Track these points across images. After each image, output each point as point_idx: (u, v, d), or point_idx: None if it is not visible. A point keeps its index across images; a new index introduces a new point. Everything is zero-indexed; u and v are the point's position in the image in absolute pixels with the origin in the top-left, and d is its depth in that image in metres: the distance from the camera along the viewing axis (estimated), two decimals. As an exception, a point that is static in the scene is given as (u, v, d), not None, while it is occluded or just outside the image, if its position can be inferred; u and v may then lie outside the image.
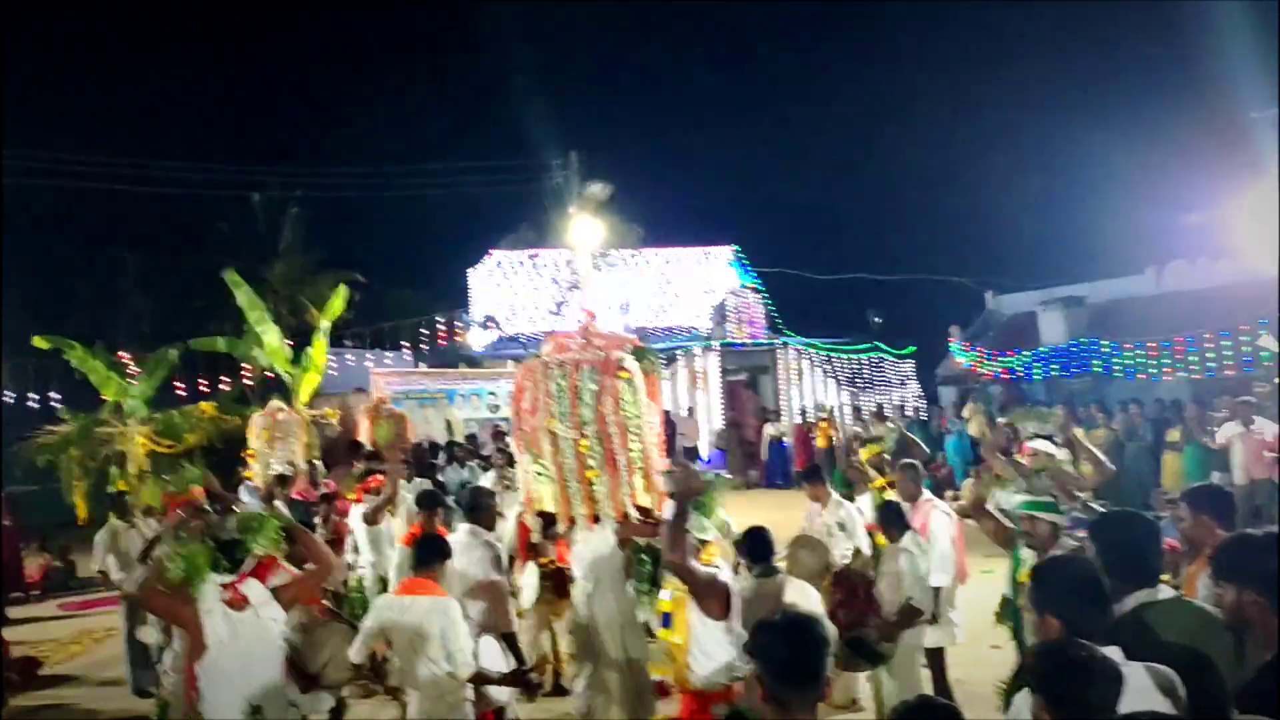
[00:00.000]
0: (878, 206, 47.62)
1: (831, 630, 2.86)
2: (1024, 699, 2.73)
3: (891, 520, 6.10)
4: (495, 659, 5.54)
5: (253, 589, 4.53)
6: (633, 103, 60.56)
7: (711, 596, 4.39)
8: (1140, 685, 2.67)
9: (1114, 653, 2.64)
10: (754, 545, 5.25)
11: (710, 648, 4.38)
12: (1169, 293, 20.64)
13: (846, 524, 6.92)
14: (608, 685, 5.75)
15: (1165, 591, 3.34)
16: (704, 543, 4.63)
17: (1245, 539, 2.88)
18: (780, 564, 5.61)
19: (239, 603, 4.45)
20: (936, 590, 6.05)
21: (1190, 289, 19.96)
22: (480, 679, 5.21)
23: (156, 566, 4.75)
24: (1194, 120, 26.33)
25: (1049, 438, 5.83)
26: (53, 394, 18.14)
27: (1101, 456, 5.68)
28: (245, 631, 4.43)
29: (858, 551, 6.75)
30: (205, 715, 4.34)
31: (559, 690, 7.54)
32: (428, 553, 5.39)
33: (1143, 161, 33.57)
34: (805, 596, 5.01)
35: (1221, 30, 19.20)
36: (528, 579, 7.11)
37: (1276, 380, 13.15)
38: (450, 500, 8.61)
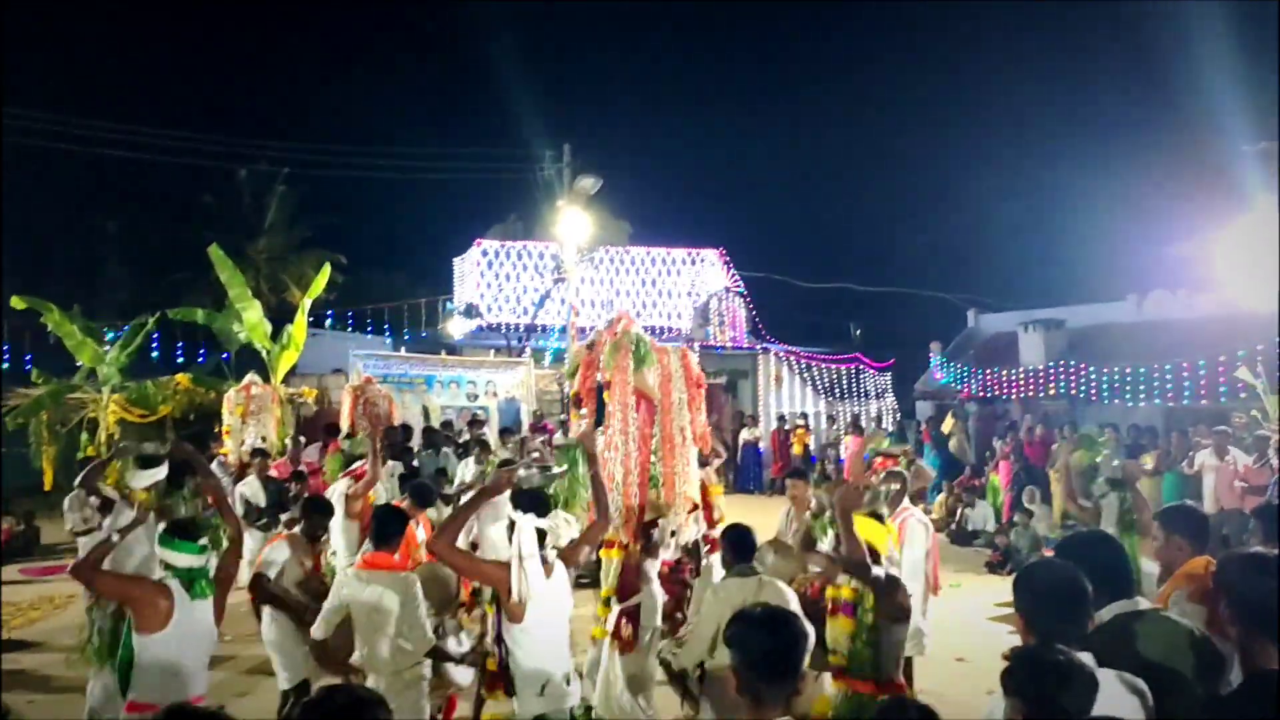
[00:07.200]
0: (865, 220, 48.01)
1: (809, 627, 2.85)
2: (998, 702, 2.73)
3: None
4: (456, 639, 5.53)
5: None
6: (629, 102, 60.74)
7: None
8: (1111, 692, 2.68)
9: (1086, 659, 2.65)
10: (735, 543, 5.25)
11: None
12: (1149, 321, 20.78)
13: (823, 527, 6.94)
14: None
15: (1144, 603, 3.34)
16: None
17: (1245, 557, 2.88)
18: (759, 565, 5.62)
19: None
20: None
21: (1170, 318, 20.12)
22: (439, 655, 5.19)
23: (106, 547, 4.82)
24: (1183, 153, 26.65)
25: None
26: (26, 356, 17.94)
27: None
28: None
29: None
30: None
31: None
32: (388, 527, 5.37)
33: (1129, 191, 33.97)
34: (780, 596, 4.99)
35: (1213, 65, 19.44)
36: None
37: (1253, 411, 13.26)
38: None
